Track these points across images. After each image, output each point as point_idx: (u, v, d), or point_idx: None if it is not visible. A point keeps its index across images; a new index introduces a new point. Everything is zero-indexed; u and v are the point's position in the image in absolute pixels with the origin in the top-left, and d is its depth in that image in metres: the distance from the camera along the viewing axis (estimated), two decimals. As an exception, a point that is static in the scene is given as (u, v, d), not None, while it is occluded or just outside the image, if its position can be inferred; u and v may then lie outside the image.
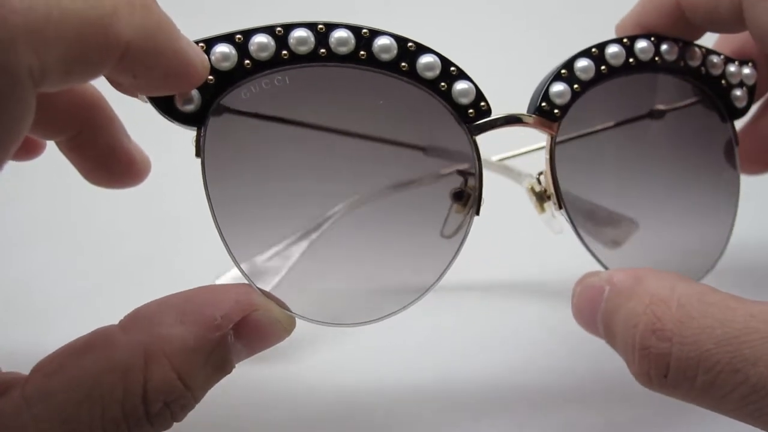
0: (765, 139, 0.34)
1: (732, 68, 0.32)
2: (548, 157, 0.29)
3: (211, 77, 0.25)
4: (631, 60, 0.30)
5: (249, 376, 0.30)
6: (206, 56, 0.24)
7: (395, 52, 0.26)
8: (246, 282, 0.25)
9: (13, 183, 0.31)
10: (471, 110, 0.27)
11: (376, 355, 0.33)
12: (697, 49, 0.31)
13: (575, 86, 0.29)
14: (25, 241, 0.42)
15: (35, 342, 0.31)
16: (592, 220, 0.31)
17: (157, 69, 0.22)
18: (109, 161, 0.30)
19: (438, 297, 0.28)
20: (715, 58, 0.31)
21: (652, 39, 0.30)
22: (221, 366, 0.24)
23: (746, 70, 0.32)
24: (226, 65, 0.25)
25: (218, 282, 0.34)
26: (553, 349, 0.34)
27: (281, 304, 0.25)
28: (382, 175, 0.28)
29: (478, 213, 0.28)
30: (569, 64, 0.29)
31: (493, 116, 0.27)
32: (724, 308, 0.23)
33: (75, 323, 0.34)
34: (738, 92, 0.32)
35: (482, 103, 0.27)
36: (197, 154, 0.25)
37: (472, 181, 0.28)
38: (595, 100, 0.30)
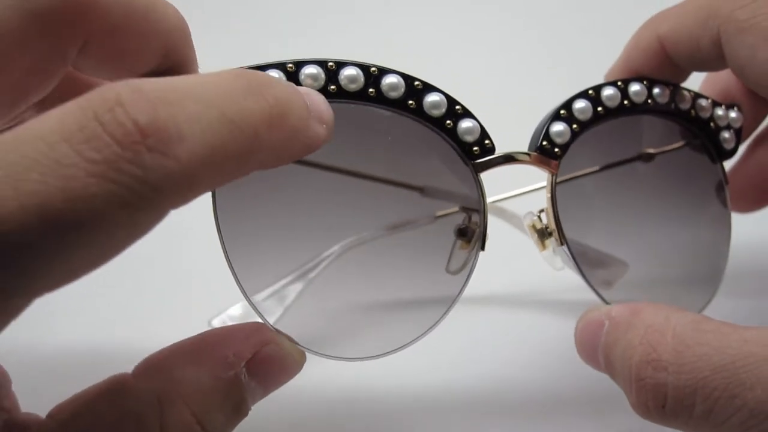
0: (753, 178, 0.35)
1: (719, 111, 0.33)
2: (549, 195, 0.29)
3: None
4: (625, 102, 0.31)
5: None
6: (174, 8, 0.24)
7: (403, 90, 0.27)
8: (252, 320, 0.25)
9: None
10: (476, 148, 0.28)
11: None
12: (686, 93, 0.32)
13: (574, 126, 0.29)
14: None
15: (35, 342, 0.33)
16: (585, 261, 0.32)
17: (104, 18, 0.22)
18: None
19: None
20: (703, 102, 0.33)
21: (645, 82, 0.31)
22: (238, 407, 0.24)
23: (732, 114, 0.33)
24: None
25: (213, 322, 0.34)
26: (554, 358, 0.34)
27: (291, 339, 0.25)
28: (388, 211, 0.29)
29: (483, 248, 0.28)
30: (568, 105, 0.30)
31: (497, 154, 0.28)
32: (718, 335, 0.23)
33: (75, 323, 0.35)
34: (726, 134, 0.33)
35: (486, 141, 0.28)
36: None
37: (475, 217, 0.28)
38: (591, 141, 0.30)
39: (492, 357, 0.34)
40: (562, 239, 0.29)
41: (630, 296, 0.30)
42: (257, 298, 0.26)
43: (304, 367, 0.25)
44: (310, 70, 0.26)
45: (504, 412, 0.32)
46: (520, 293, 0.38)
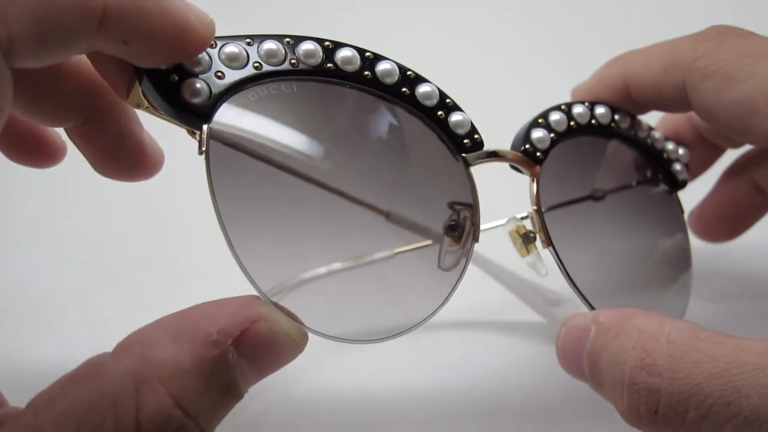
0: (724, 211, 0.37)
1: (670, 146, 0.35)
2: (534, 195, 0.29)
3: (220, 72, 0.24)
4: (593, 121, 0.32)
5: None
6: (210, 17, 0.23)
7: (397, 77, 0.26)
8: (248, 294, 0.23)
9: (13, 182, 0.31)
10: (467, 140, 0.27)
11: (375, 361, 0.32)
12: (643, 123, 0.34)
13: (552, 134, 0.30)
14: (25, 240, 0.41)
15: (35, 342, 0.33)
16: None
17: (146, 31, 0.21)
18: (118, 151, 0.28)
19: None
20: (656, 134, 0.34)
21: (608, 107, 0.32)
22: (226, 389, 0.21)
23: (681, 151, 0.35)
24: (235, 64, 0.24)
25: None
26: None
27: (291, 315, 0.23)
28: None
29: (477, 240, 0.27)
30: (545, 115, 0.30)
31: (487, 148, 0.28)
32: (713, 343, 0.23)
33: (75, 323, 0.35)
34: (677, 166, 0.35)
35: (476, 135, 0.28)
36: (201, 152, 0.23)
37: (464, 213, 0.27)
38: (563, 155, 0.31)
39: (487, 362, 0.34)
40: (549, 240, 0.29)
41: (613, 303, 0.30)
42: (266, 267, 0.23)
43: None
44: (308, 45, 0.25)
45: (502, 416, 0.31)
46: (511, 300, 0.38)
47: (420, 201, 0.28)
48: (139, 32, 0.21)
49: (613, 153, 0.33)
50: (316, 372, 0.32)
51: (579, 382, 0.26)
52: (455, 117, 0.27)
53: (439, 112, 0.27)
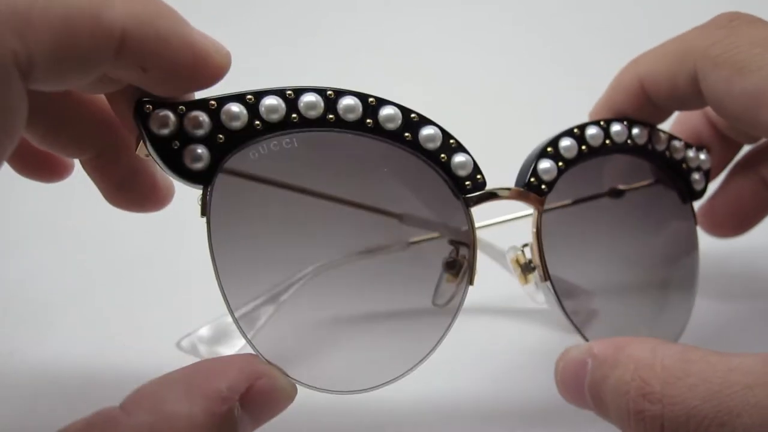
0: (731, 206, 0.36)
1: (691, 153, 0.34)
2: (535, 230, 0.30)
3: (221, 136, 0.24)
4: (607, 141, 0.31)
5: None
6: (226, 49, 0.23)
7: (400, 122, 0.27)
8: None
9: (14, 183, 0.30)
10: (468, 182, 0.28)
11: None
12: (662, 134, 0.33)
13: (560, 163, 0.30)
14: (25, 240, 0.42)
15: (36, 342, 0.33)
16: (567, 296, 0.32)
17: (164, 59, 0.22)
18: (130, 184, 0.29)
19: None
20: (677, 143, 0.34)
21: (625, 123, 0.32)
22: None
23: (702, 156, 0.34)
24: (236, 125, 0.24)
25: (182, 344, 0.33)
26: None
27: (282, 371, 0.25)
28: (374, 242, 0.28)
29: (471, 283, 0.28)
30: (554, 143, 0.30)
31: (488, 189, 0.28)
32: (704, 365, 0.24)
33: (75, 323, 0.35)
34: (696, 176, 0.34)
35: (478, 176, 0.28)
36: (203, 214, 0.24)
37: (463, 251, 0.28)
38: (573, 177, 0.31)
39: (489, 365, 0.34)
40: (546, 275, 0.29)
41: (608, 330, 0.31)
42: (258, 323, 0.25)
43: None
44: (309, 98, 0.25)
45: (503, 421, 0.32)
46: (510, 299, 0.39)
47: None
48: (157, 59, 0.22)
49: (626, 171, 0.33)
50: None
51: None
52: (458, 158, 0.28)
53: (442, 155, 0.27)
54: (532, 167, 0.30)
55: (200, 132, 0.24)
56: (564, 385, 0.28)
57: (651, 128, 0.33)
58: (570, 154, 0.30)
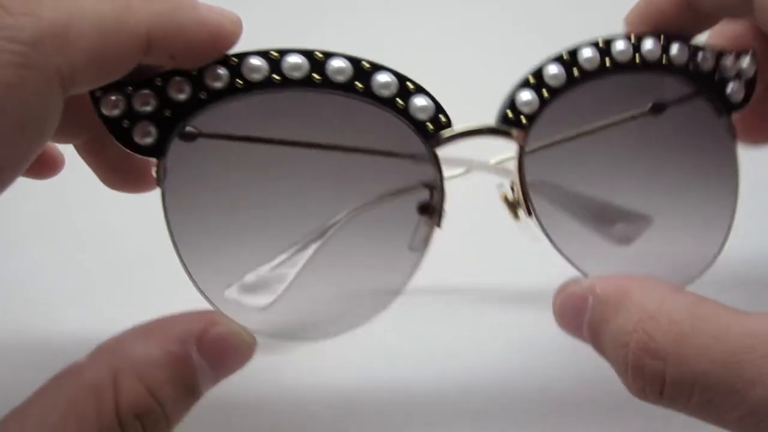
0: None
1: (727, 61, 0.30)
2: (517, 166, 0.28)
3: (168, 110, 0.26)
4: (607, 62, 0.29)
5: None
6: (236, 15, 0.25)
7: (350, 73, 0.27)
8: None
9: (14, 183, 0.31)
10: (430, 125, 0.27)
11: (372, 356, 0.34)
12: (682, 45, 0.30)
13: (544, 93, 0.28)
14: (25, 240, 0.42)
15: (36, 342, 0.34)
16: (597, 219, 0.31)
17: (187, 45, 0.24)
18: (123, 165, 0.31)
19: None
20: (703, 53, 0.30)
21: (632, 39, 0.29)
22: (189, 383, 0.24)
23: (744, 63, 0.31)
24: (182, 97, 0.26)
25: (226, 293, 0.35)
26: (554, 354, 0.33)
27: (237, 324, 0.26)
28: (351, 192, 0.29)
29: (439, 225, 0.28)
30: (538, 71, 0.29)
31: (454, 129, 0.27)
32: (717, 324, 0.23)
33: (75, 323, 0.36)
34: (733, 85, 0.30)
35: (441, 117, 0.27)
36: (157, 184, 0.26)
37: (437, 194, 0.28)
38: (572, 105, 0.29)
39: (487, 352, 0.34)
40: (531, 210, 0.28)
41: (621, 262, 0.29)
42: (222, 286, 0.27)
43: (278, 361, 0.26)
44: (254, 61, 0.26)
45: (503, 409, 0.32)
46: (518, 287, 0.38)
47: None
48: (180, 47, 0.24)
49: (632, 91, 0.30)
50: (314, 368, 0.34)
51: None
52: (417, 101, 0.27)
53: (399, 101, 0.27)
54: (509, 100, 0.28)
55: (147, 108, 0.26)
56: (561, 318, 0.27)
57: (665, 40, 0.30)
58: (557, 82, 0.28)
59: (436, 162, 0.28)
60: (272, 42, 0.26)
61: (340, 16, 0.55)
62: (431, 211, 0.28)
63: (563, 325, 0.27)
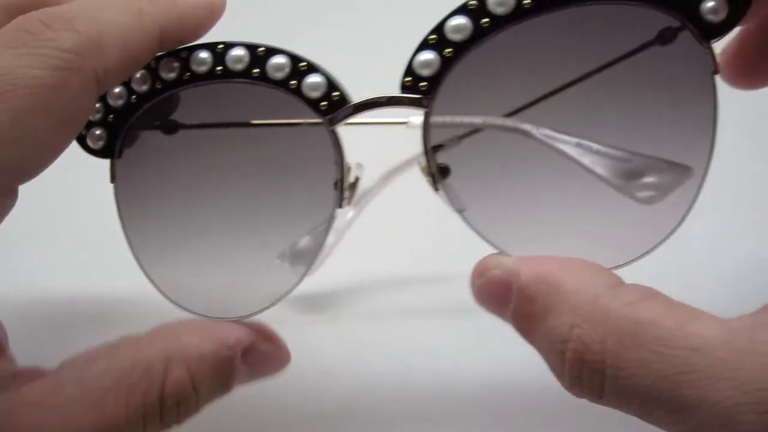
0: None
1: None
2: (422, 134, 0.26)
3: (111, 116, 0.29)
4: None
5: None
6: None
7: (247, 60, 0.27)
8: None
9: None
10: (323, 102, 0.27)
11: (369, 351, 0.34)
12: None
13: (446, 52, 0.26)
14: (25, 240, 0.42)
15: (35, 342, 0.34)
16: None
17: (190, 29, 0.28)
18: None
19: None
20: None
21: None
22: (225, 383, 0.27)
23: None
24: (120, 103, 0.29)
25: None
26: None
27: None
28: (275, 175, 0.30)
29: (340, 206, 0.27)
30: (439, 27, 0.26)
31: (349, 104, 0.26)
32: (659, 334, 0.21)
33: (75, 323, 0.37)
34: (710, 3, 0.24)
35: (335, 94, 0.27)
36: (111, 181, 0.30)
37: (339, 171, 0.27)
38: (494, 58, 0.26)
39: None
40: (437, 184, 0.26)
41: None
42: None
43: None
44: (172, 63, 0.28)
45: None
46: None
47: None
48: (185, 32, 0.28)
49: (576, 31, 0.25)
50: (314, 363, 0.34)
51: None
52: (309, 80, 0.27)
53: (291, 82, 0.27)
54: (407, 65, 0.26)
55: (98, 116, 0.29)
56: (483, 304, 0.25)
57: None
58: (460, 36, 0.26)
59: (335, 139, 0.27)
60: (272, 42, 0.28)
61: (340, 16, 0.54)
62: (337, 188, 0.27)
63: (483, 304, 0.25)
